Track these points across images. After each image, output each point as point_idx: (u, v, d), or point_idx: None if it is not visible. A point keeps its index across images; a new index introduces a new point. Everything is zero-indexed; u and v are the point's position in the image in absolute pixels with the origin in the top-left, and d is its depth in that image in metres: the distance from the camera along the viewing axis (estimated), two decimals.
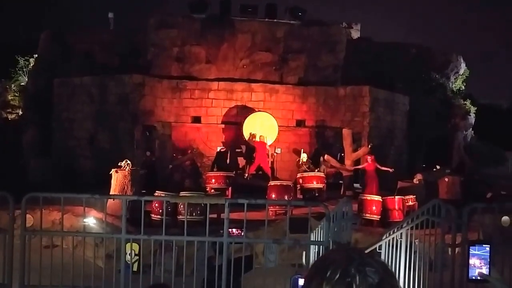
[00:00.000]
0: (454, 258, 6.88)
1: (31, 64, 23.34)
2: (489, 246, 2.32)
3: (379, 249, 8.73)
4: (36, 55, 22.79)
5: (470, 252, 2.30)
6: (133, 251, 8.77)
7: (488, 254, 2.30)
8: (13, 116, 23.07)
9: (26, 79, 23.28)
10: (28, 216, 6.93)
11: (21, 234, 6.26)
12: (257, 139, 18.06)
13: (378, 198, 13.30)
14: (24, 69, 23.74)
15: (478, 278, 2.22)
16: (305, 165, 16.95)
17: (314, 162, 17.40)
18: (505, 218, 8.95)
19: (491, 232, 8.80)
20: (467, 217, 6.77)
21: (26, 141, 20.67)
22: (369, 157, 15.99)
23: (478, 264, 2.27)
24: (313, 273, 1.32)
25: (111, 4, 25.86)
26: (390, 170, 16.18)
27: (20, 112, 22.83)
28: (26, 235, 6.35)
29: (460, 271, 6.73)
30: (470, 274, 2.27)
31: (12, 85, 23.68)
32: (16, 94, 23.32)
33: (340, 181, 17.53)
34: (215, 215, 10.73)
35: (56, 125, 20.03)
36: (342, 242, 6.76)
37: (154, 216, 12.06)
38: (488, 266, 2.25)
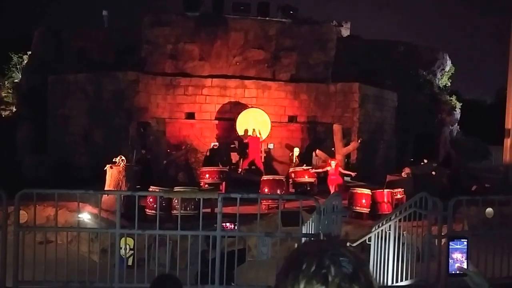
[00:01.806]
0: (441, 248, 7.19)
1: (25, 61, 23.27)
2: (466, 240, 2.56)
3: (368, 241, 8.88)
4: (30, 52, 22.75)
5: (452, 246, 2.52)
6: (127, 246, 8.89)
7: (466, 248, 2.54)
8: (7, 113, 23.06)
9: (20, 76, 23.24)
10: (22, 212, 6.88)
11: (15, 230, 6.24)
12: (250, 134, 18.39)
13: (367, 191, 13.50)
14: (18, 66, 23.69)
15: (458, 272, 2.45)
16: (297, 158, 17.33)
17: (307, 157, 17.75)
18: (489, 209, 9.22)
19: (476, 224, 9.18)
20: (452, 209, 7.03)
21: (20, 138, 20.64)
22: (333, 162, 15.66)
23: (460, 258, 2.50)
24: (287, 267, 1.30)
25: (105, 2, 25.83)
26: (352, 174, 16.16)
27: (14, 109, 22.81)
28: (20, 231, 6.33)
29: (446, 261, 7.08)
30: (450, 269, 2.48)
31: (6, 82, 23.64)
32: (10, 91, 23.24)
33: None
34: (209, 210, 10.60)
35: (51, 121, 20.09)
36: (333, 235, 6.95)
37: (149, 211, 12.03)
38: (467, 260, 2.50)
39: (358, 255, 1.30)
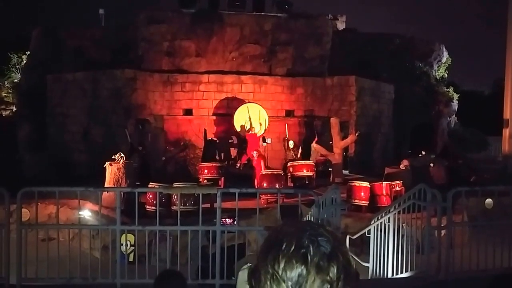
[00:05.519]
0: (440, 240, 7.27)
1: (24, 61, 23.30)
2: None
3: (368, 234, 8.91)
4: (29, 52, 22.76)
5: None
6: (128, 242, 8.95)
7: None
8: (7, 112, 23.16)
9: (19, 76, 23.26)
10: (24, 210, 6.95)
11: (17, 228, 6.31)
12: (248, 129, 18.37)
13: (366, 184, 13.43)
14: (17, 66, 23.74)
15: None
16: (292, 151, 17.36)
17: (305, 150, 17.80)
18: (488, 200, 9.30)
19: (475, 214, 9.23)
20: (451, 200, 7.01)
21: (21, 137, 20.69)
22: (254, 152, 15.82)
23: None
24: (267, 247, 1.31)
25: (102, 0, 25.83)
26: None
27: (14, 109, 22.88)
28: (22, 229, 6.39)
29: (446, 252, 7.10)
30: None
31: (6, 82, 23.72)
32: (10, 91, 23.34)
33: (329, 169, 17.67)
34: (208, 205, 10.52)
35: (50, 120, 20.12)
36: (332, 228, 7.00)
37: (149, 207, 11.96)
38: None
39: (335, 235, 1.32)
